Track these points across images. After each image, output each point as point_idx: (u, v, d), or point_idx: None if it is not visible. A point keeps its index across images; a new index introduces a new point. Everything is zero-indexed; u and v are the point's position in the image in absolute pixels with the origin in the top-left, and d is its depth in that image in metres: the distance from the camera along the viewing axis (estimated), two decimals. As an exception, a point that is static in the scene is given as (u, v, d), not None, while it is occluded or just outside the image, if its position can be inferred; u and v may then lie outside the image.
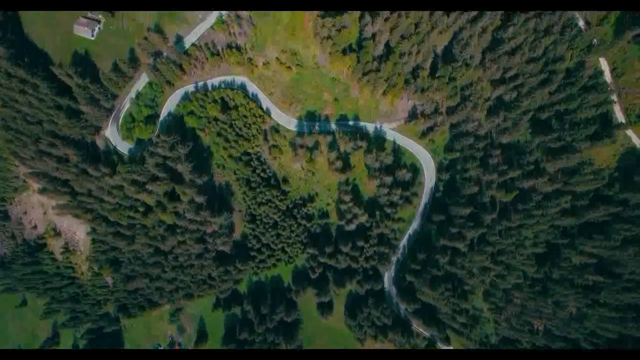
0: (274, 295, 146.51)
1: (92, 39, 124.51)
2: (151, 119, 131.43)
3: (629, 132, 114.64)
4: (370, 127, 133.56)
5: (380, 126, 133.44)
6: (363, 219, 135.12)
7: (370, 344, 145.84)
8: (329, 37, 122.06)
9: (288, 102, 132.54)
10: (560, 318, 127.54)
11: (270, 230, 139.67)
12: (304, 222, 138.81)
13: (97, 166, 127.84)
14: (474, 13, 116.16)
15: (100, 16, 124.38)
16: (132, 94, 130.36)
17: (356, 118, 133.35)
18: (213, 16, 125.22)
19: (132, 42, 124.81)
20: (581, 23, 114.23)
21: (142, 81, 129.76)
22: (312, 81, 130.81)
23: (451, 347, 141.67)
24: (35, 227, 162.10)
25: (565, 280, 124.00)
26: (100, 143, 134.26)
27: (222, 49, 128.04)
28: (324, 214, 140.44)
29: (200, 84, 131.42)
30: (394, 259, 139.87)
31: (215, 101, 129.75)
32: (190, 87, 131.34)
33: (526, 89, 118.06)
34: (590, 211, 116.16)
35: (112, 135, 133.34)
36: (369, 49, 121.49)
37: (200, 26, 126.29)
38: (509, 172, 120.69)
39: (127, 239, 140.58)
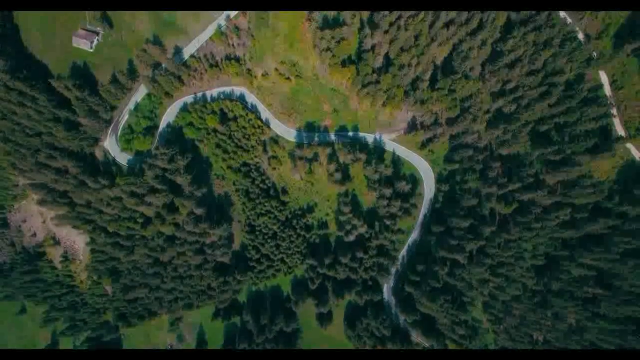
0: (274, 305, 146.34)
1: (91, 50, 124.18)
2: (150, 130, 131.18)
3: (629, 145, 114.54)
4: (369, 138, 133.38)
5: (380, 137, 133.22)
6: (362, 230, 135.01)
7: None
8: (328, 49, 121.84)
9: (287, 113, 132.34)
10: (560, 330, 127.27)
11: (269, 240, 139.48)
12: (303, 232, 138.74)
13: (96, 178, 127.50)
14: (474, 25, 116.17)
15: (99, 28, 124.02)
16: (131, 106, 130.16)
17: (355, 129, 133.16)
18: (212, 27, 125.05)
19: (130, 54, 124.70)
20: (580, 36, 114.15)
21: (140, 93, 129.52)
22: (311, 92, 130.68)
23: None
24: (34, 234, 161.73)
25: (565, 292, 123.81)
26: (99, 154, 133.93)
27: (221, 60, 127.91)
28: (323, 225, 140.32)
29: (199, 95, 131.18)
30: (393, 269, 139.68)
31: (214, 112, 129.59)
32: (189, 99, 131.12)
33: (526, 101, 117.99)
34: (589, 224, 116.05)
35: (111, 146, 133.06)
36: (368, 61, 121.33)
37: (199, 37, 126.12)
38: (508, 184, 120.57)
39: (126, 250, 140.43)
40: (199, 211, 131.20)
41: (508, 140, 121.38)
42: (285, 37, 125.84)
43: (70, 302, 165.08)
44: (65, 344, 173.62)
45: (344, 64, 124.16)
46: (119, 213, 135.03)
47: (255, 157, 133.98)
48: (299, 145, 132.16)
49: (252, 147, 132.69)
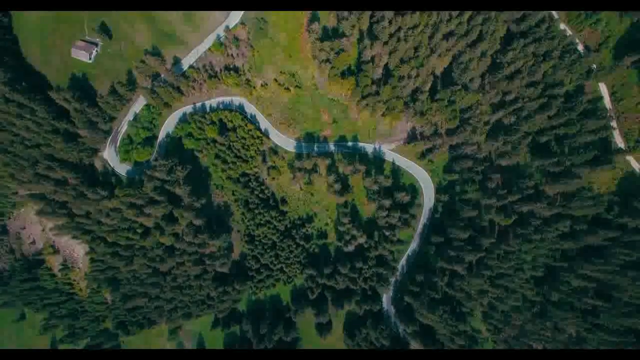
0: (273, 314, 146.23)
1: (90, 62, 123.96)
2: (149, 141, 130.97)
3: (628, 157, 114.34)
4: (369, 148, 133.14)
5: (379, 147, 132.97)
6: (362, 240, 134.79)
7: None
8: (327, 60, 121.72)
9: (286, 123, 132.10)
10: (559, 340, 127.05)
11: (268, 250, 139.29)
12: (302, 242, 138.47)
13: (95, 189, 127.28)
14: (474, 37, 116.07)
15: (98, 39, 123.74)
16: (130, 117, 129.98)
17: (355, 139, 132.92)
18: (211, 38, 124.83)
19: (129, 65, 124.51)
20: (580, 48, 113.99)
21: (140, 103, 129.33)
22: (310, 102, 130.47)
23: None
24: (33, 242, 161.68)
25: (565, 303, 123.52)
26: (98, 165, 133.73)
27: (220, 71, 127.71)
28: (323, 235, 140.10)
29: (199, 105, 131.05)
30: (392, 280, 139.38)
31: (213, 123, 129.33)
32: (189, 109, 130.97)
33: (525, 112, 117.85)
34: (589, 235, 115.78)
35: (110, 157, 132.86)
36: (367, 72, 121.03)
37: (198, 48, 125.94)
38: (508, 196, 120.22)
39: (126, 260, 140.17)
40: (198, 222, 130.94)
41: (508, 152, 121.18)
42: (285, 48, 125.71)
43: (70, 310, 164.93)
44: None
45: (343, 75, 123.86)
46: (118, 224, 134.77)
47: (255, 167, 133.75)
48: (299, 155, 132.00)
49: (252, 157, 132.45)
